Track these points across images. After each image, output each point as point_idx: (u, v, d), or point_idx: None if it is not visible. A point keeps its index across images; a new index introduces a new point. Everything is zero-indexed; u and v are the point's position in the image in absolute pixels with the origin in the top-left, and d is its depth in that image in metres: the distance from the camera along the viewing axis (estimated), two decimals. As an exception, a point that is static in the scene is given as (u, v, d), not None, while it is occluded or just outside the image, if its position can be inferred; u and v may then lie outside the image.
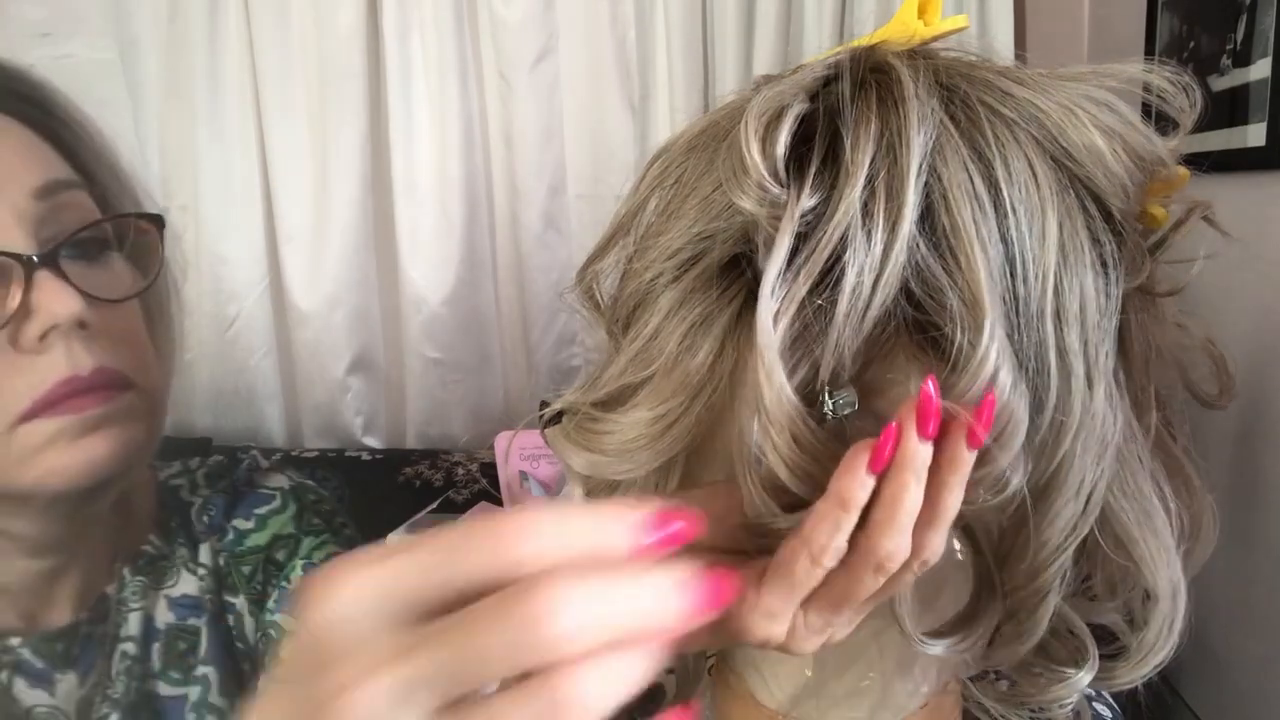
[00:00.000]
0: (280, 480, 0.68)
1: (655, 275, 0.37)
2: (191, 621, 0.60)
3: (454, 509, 1.73)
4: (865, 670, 0.42)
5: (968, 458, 0.30)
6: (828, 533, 0.31)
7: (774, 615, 0.33)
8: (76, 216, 0.52)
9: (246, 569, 0.63)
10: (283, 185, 1.78)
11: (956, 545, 0.38)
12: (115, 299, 0.52)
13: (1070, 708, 0.42)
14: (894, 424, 0.30)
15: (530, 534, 0.26)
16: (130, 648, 0.58)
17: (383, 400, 1.92)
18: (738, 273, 0.35)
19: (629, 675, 0.25)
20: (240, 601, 0.62)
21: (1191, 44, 1.23)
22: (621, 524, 0.27)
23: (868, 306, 0.32)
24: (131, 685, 0.57)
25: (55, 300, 0.47)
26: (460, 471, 1.77)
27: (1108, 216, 0.35)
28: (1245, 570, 1.10)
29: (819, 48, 1.66)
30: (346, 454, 1.83)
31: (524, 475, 1.57)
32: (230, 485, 0.66)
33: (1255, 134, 1.06)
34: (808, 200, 0.32)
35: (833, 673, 0.42)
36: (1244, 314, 1.07)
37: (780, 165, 0.33)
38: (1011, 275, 0.33)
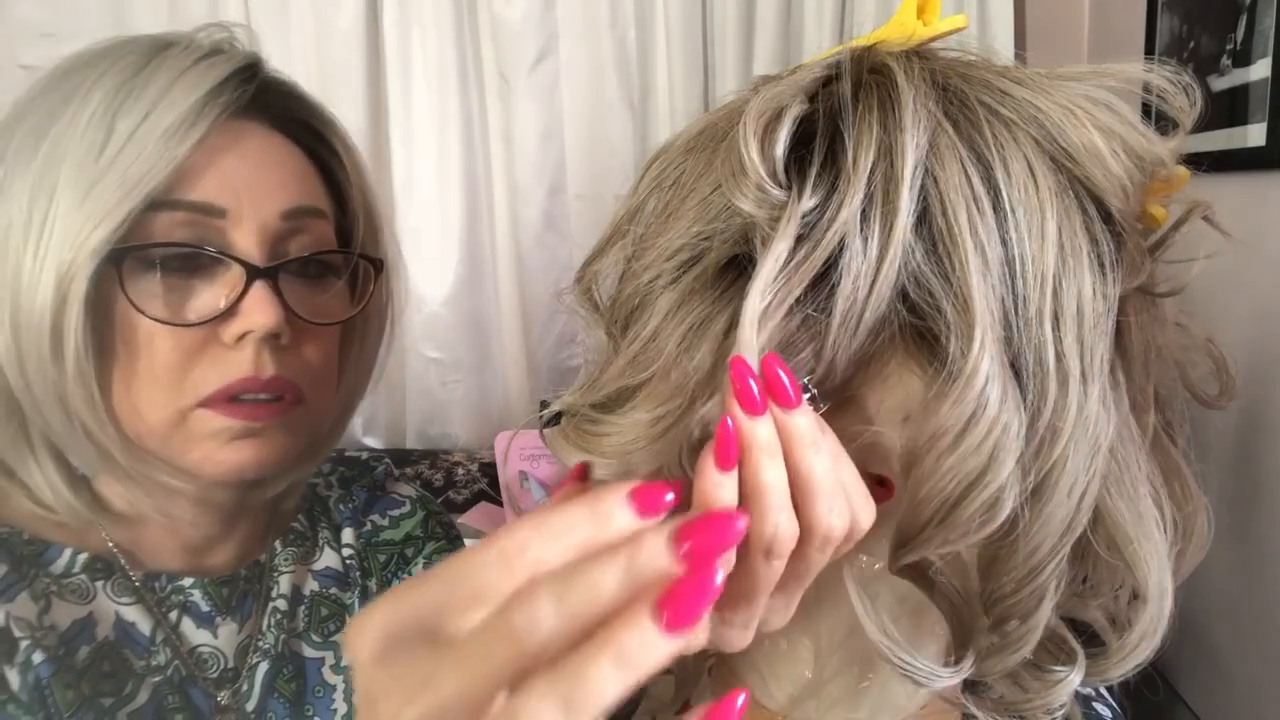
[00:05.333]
0: (409, 490, 0.77)
1: (654, 276, 0.37)
2: (334, 592, 0.68)
3: (454, 509, 1.73)
4: (865, 672, 0.42)
5: (801, 423, 0.30)
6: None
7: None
8: (311, 241, 0.59)
9: (382, 557, 0.71)
10: (283, 185, 1.78)
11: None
12: (316, 322, 0.59)
13: (1063, 712, 0.41)
14: (726, 420, 0.30)
15: (527, 543, 0.27)
16: (281, 604, 0.65)
17: (383, 400, 1.92)
18: (736, 274, 0.35)
19: (642, 656, 0.25)
20: (373, 584, 0.70)
21: (1191, 44, 1.23)
22: (616, 506, 0.27)
23: (863, 312, 0.32)
24: (280, 638, 0.64)
25: (259, 311, 0.54)
26: (460, 471, 1.77)
27: (1107, 217, 0.35)
28: (1245, 569, 1.10)
29: (819, 48, 1.66)
30: (346, 454, 1.82)
31: (524, 475, 1.57)
32: (372, 483, 0.75)
33: (1255, 134, 1.06)
34: (807, 202, 0.32)
35: (833, 674, 0.42)
36: (1244, 314, 1.06)
37: (779, 167, 0.33)
38: (1011, 276, 0.33)
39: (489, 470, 1.74)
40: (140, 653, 0.58)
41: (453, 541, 0.76)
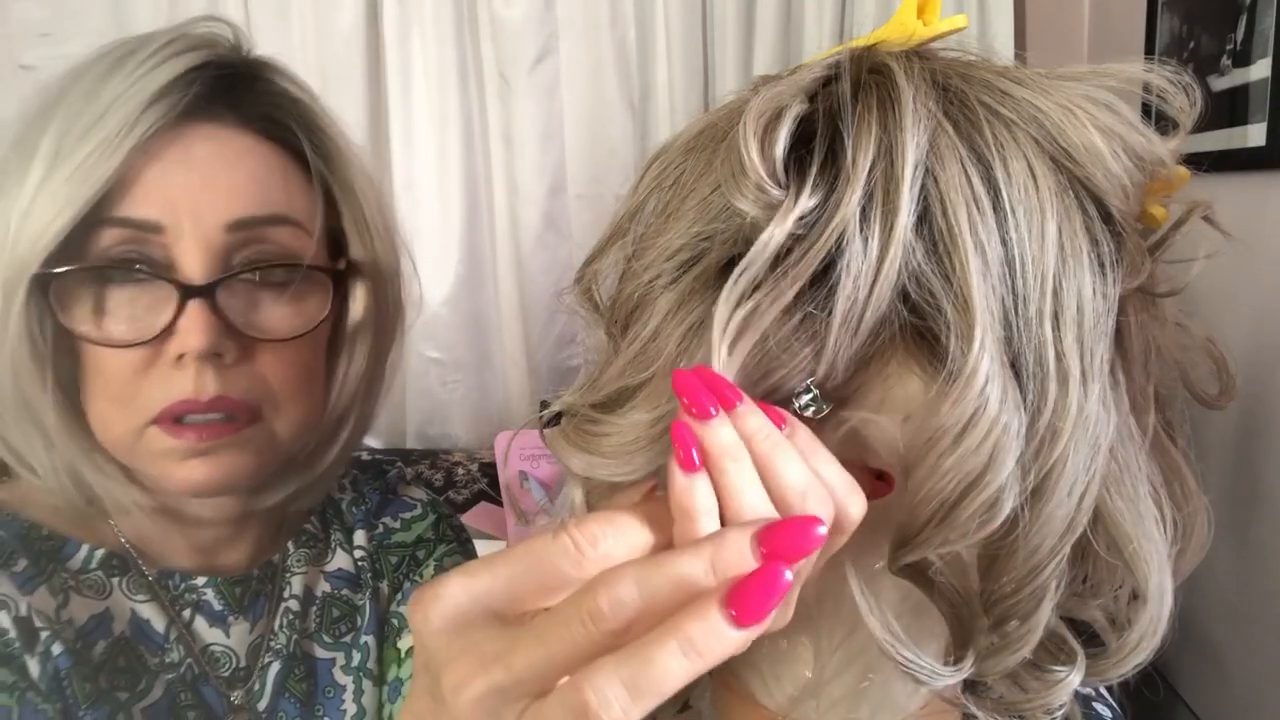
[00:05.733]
0: (420, 493, 0.77)
1: (654, 276, 0.37)
2: (345, 593, 0.68)
3: (454, 509, 1.72)
4: (865, 671, 0.42)
5: (750, 423, 0.30)
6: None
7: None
8: (272, 251, 0.57)
9: (394, 559, 0.71)
10: (283, 185, 1.78)
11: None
12: (268, 338, 0.56)
13: (1063, 712, 0.41)
14: (679, 423, 0.30)
15: (598, 537, 0.28)
16: (294, 605, 0.65)
17: (382, 400, 1.92)
18: None
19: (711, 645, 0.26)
20: (384, 586, 0.70)
21: (1191, 44, 1.23)
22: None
23: (864, 311, 0.32)
24: (292, 639, 0.65)
25: (192, 331, 0.52)
26: (460, 471, 1.77)
27: (1107, 217, 0.35)
28: (1245, 570, 1.10)
29: (819, 48, 1.66)
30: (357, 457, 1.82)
31: (524, 475, 1.57)
32: (384, 485, 0.75)
33: (1255, 134, 1.06)
34: (806, 202, 0.32)
35: (833, 674, 0.42)
36: (1244, 314, 1.06)
37: (779, 167, 0.33)
38: (1011, 276, 0.33)
39: (489, 470, 1.74)
40: (154, 650, 0.59)
41: (463, 544, 0.75)
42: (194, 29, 0.58)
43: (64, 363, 0.55)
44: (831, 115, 0.34)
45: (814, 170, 0.33)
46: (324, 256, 0.61)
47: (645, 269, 0.38)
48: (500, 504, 1.69)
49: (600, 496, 0.43)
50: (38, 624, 0.53)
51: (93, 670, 0.55)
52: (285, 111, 0.59)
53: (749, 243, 0.34)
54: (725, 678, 0.48)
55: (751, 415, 0.30)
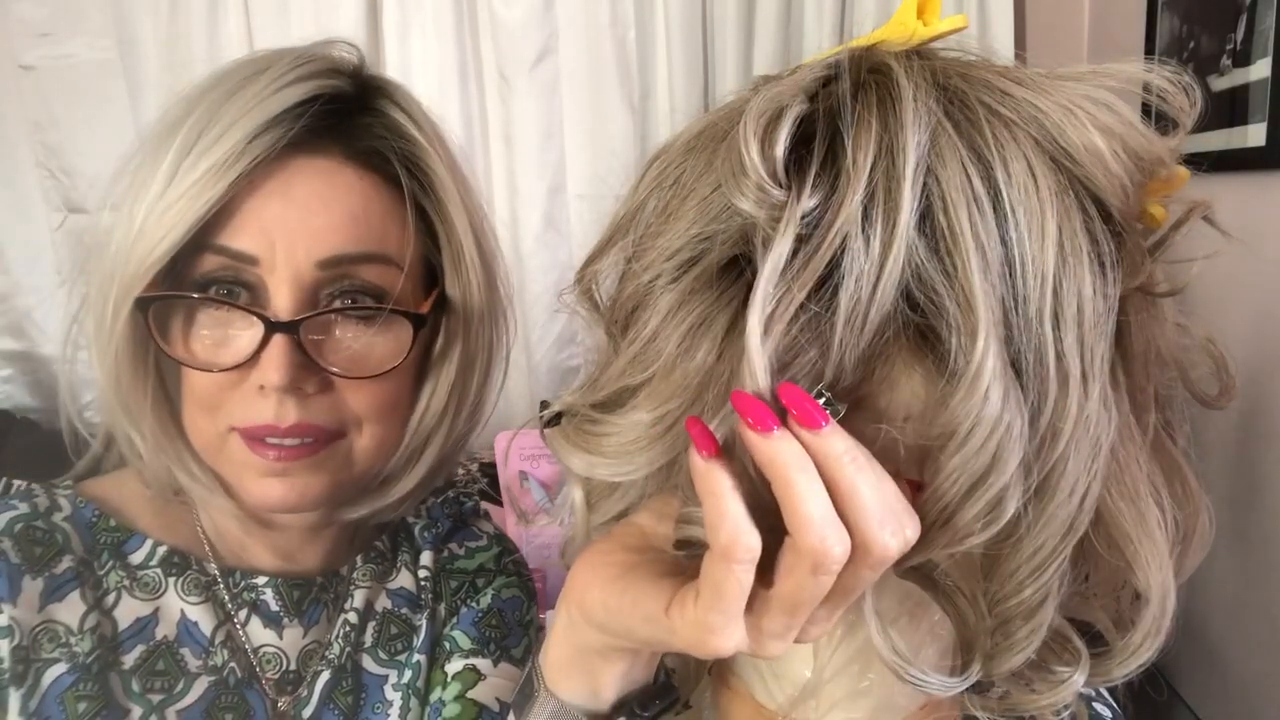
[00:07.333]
0: (489, 527, 0.79)
1: (654, 276, 0.37)
2: (405, 611, 0.70)
3: (454, 509, 1.72)
4: (865, 671, 0.42)
5: (836, 443, 0.31)
6: (725, 529, 0.31)
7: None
8: (361, 285, 0.57)
9: (454, 583, 0.72)
10: (283, 185, 1.78)
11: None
12: (345, 375, 0.57)
13: (1068, 712, 0.41)
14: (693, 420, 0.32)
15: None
16: (352, 617, 0.66)
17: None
18: (736, 274, 0.35)
19: None
20: (442, 608, 0.71)
21: (1191, 44, 1.23)
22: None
23: (868, 310, 0.32)
24: (345, 651, 0.65)
25: (274, 367, 0.53)
26: (460, 471, 1.77)
27: (1107, 217, 0.35)
28: (1245, 570, 1.10)
29: (819, 48, 1.66)
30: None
31: (524, 475, 1.57)
32: (458, 514, 0.77)
33: (1255, 134, 1.06)
34: (808, 202, 0.32)
35: (833, 674, 0.42)
36: (1244, 314, 1.06)
37: (779, 167, 0.33)
38: (1011, 276, 0.32)
39: (489, 470, 1.74)
40: (198, 652, 0.60)
41: (523, 580, 0.77)
42: (320, 51, 0.58)
43: (165, 372, 0.58)
44: (831, 115, 0.34)
45: (814, 170, 0.33)
46: (415, 290, 0.61)
47: (645, 269, 0.38)
48: (500, 504, 1.69)
49: (600, 496, 0.43)
50: (43, 651, 0.55)
51: (115, 678, 0.57)
52: (388, 145, 0.59)
53: (749, 243, 0.34)
54: (725, 676, 0.48)
55: (839, 436, 0.31)
